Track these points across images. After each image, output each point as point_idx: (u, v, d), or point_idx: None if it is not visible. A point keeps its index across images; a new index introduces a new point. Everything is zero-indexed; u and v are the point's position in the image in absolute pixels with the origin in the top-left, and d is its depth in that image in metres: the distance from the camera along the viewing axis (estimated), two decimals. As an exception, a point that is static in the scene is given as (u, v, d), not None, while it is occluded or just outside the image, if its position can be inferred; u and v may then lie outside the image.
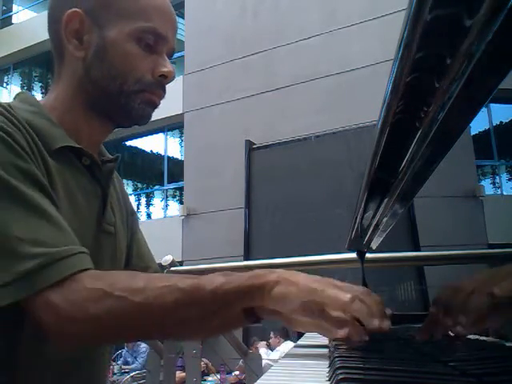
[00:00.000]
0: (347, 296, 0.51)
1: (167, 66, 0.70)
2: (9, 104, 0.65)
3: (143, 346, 5.39)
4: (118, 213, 0.80)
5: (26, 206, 0.55)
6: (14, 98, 0.71)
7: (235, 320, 0.57)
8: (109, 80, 0.68)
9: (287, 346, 4.48)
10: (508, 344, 0.66)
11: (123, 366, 5.90)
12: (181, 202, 9.08)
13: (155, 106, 0.72)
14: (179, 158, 9.77)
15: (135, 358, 5.68)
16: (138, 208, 10.12)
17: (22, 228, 0.54)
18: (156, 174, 10.25)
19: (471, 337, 0.73)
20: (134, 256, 0.84)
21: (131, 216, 0.87)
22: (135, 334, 0.60)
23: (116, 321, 0.55)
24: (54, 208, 0.59)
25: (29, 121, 0.64)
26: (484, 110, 7.22)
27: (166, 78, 0.71)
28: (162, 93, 0.72)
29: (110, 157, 0.78)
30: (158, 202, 10.15)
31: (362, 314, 0.51)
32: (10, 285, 0.52)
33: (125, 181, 10.50)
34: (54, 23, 0.71)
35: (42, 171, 0.61)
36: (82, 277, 0.55)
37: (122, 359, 6.19)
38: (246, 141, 7.12)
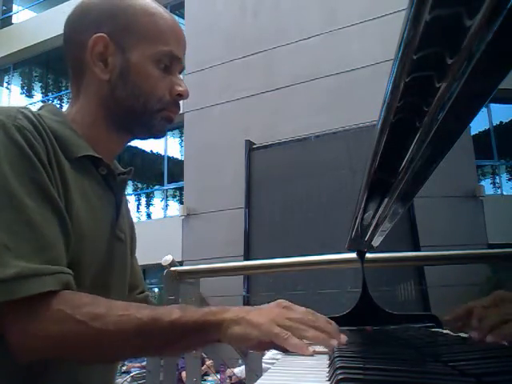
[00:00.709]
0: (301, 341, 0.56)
1: (183, 86, 0.77)
2: (38, 113, 0.69)
3: None
4: (127, 225, 0.84)
5: (22, 219, 0.58)
6: (40, 109, 0.76)
7: (196, 345, 0.64)
8: (133, 99, 0.74)
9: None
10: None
11: (129, 365, 5.87)
12: (181, 202, 9.08)
13: (172, 121, 0.79)
14: (179, 158, 9.77)
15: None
16: (138, 208, 10.12)
17: (12, 238, 0.57)
18: (156, 174, 10.25)
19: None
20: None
21: (131, 233, 0.90)
22: (94, 357, 0.62)
23: (74, 343, 0.58)
24: (57, 224, 0.61)
25: (54, 130, 0.68)
26: (484, 110, 7.22)
27: (182, 97, 0.78)
28: (177, 110, 0.78)
29: (123, 170, 0.82)
30: (158, 202, 10.15)
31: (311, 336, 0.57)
32: None
33: (125, 181, 10.48)
34: (75, 46, 0.75)
35: (56, 182, 0.64)
36: (51, 297, 0.57)
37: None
38: (246, 141, 7.11)
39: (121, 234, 0.78)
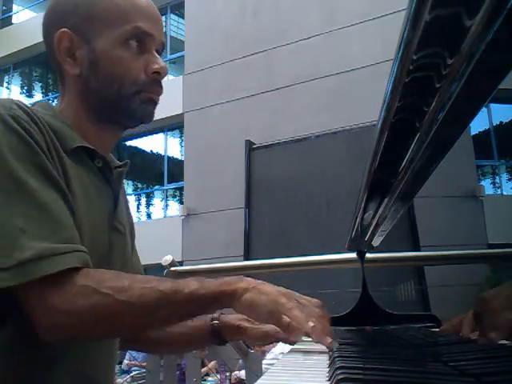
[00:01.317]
0: (303, 314, 0.59)
1: (158, 63, 0.72)
2: (30, 107, 0.69)
3: None
4: (125, 217, 0.84)
5: (34, 202, 0.59)
6: (33, 105, 0.74)
7: (211, 312, 0.69)
8: (106, 88, 0.71)
9: (280, 348, 4.42)
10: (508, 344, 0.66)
11: (129, 363, 5.85)
12: (181, 202, 9.08)
13: (155, 103, 0.74)
14: (179, 158, 9.76)
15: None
16: (138, 208, 10.12)
17: (27, 221, 0.58)
18: (156, 174, 10.24)
19: (471, 337, 0.73)
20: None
21: (130, 228, 0.89)
22: (119, 329, 0.64)
23: (101, 315, 0.59)
24: (63, 204, 0.62)
25: (48, 122, 0.67)
26: (484, 109, 7.22)
27: (160, 75, 0.73)
28: (158, 89, 0.74)
29: (119, 163, 0.81)
30: (158, 201, 10.15)
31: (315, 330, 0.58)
32: (9, 269, 0.56)
33: (125, 181, 10.46)
34: (48, 46, 0.75)
35: (57, 169, 0.64)
36: (74, 273, 0.59)
37: (127, 355, 6.13)
38: (246, 141, 7.11)
39: (119, 226, 0.77)
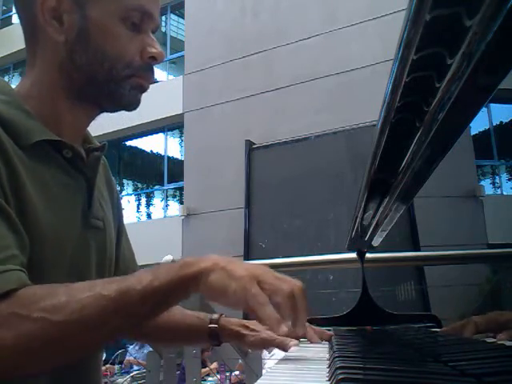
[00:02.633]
0: (284, 287, 0.51)
1: (156, 47, 0.65)
2: None
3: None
4: (107, 205, 0.76)
5: None
6: None
7: (179, 300, 0.55)
8: (95, 66, 0.63)
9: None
10: (508, 344, 0.66)
11: (131, 359, 5.83)
12: (181, 202, 9.08)
13: (144, 90, 0.67)
14: (179, 157, 9.76)
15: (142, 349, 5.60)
16: (138, 208, 10.12)
17: None
18: (156, 173, 10.24)
19: (471, 337, 0.73)
20: (120, 255, 0.80)
21: (117, 210, 0.82)
22: (67, 353, 0.52)
23: (38, 345, 0.49)
24: (1, 220, 0.53)
25: (1, 114, 0.58)
26: (484, 109, 7.22)
27: (156, 60, 0.66)
28: (150, 75, 0.67)
29: (98, 144, 0.72)
30: (158, 202, 10.15)
31: (283, 311, 0.50)
32: None
33: (125, 181, 10.51)
34: (25, 2, 0.64)
35: (0, 175, 0.55)
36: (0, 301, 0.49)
37: (127, 355, 6.10)
38: (246, 141, 7.11)
39: (97, 222, 0.69)
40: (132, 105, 0.67)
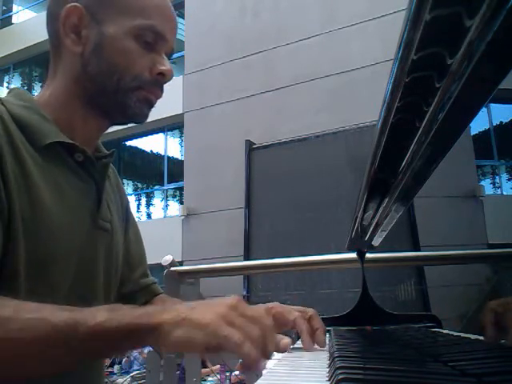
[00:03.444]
0: (251, 329, 0.47)
1: (166, 65, 0.69)
2: (2, 99, 0.65)
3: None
4: (115, 210, 0.79)
5: None
6: (8, 93, 0.70)
7: (128, 350, 0.50)
8: (106, 76, 0.67)
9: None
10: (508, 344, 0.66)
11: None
12: (181, 202, 9.08)
13: (151, 105, 0.71)
14: (179, 157, 9.76)
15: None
16: (138, 208, 10.12)
17: None
18: (156, 173, 10.25)
19: (471, 337, 0.73)
20: (125, 257, 0.82)
21: (126, 214, 0.85)
22: (2, 372, 0.49)
23: None
24: None
25: (18, 115, 0.63)
26: (484, 109, 7.22)
27: (164, 77, 0.70)
28: (159, 92, 0.71)
29: (106, 152, 0.76)
30: (158, 202, 10.15)
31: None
32: None
33: (125, 181, 10.50)
34: (52, 19, 0.70)
35: (5, 178, 0.58)
36: None
37: (134, 366, 6.04)
38: (246, 141, 7.11)
39: (105, 224, 0.72)
40: (138, 117, 0.71)
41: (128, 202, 0.88)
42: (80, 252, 0.66)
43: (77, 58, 0.68)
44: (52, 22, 0.70)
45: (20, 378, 0.54)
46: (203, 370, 3.51)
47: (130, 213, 0.88)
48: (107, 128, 0.75)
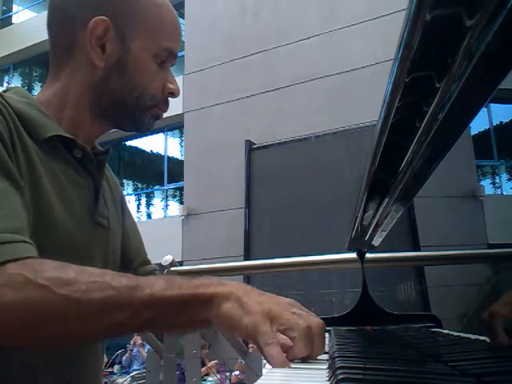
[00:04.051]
0: (300, 323, 0.47)
1: (175, 85, 0.74)
2: (2, 94, 0.65)
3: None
4: (112, 206, 0.80)
5: None
6: (6, 91, 0.70)
7: (185, 325, 0.53)
8: (127, 92, 0.70)
9: None
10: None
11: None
12: (181, 202, 9.08)
13: (159, 118, 0.76)
14: (179, 157, 9.76)
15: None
16: (138, 208, 10.12)
17: None
18: (156, 173, 10.25)
19: (471, 337, 0.73)
20: (124, 247, 0.83)
21: (122, 205, 0.86)
22: (59, 332, 0.51)
23: (34, 312, 0.48)
24: (18, 196, 0.56)
25: (18, 109, 0.63)
26: (484, 109, 7.22)
27: (173, 95, 0.75)
28: (166, 108, 0.76)
29: (101, 149, 0.78)
30: (158, 202, 10.15)
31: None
32: None
33: (125, 181, 10.50)
34: (68, 19, 0.70)
35: (19, 163, 0.59)
36: (8, 264, 0.50)
37: (134, 366, 6.02)
38: (246, 141, 7.12)
39: (102, 221, 0.73)
40: (147, 130, 0.76)
41: (122, 193, 0.89)
42: (77, 248, 0.66)
43: (98, 70, 0.69)
44: (72, 25, 0.69)
45: (81, 340, 0.57)
46: (201, 369, 3.51)
47: (125, 204, 0.89)
48: (108, 131, 0.77)
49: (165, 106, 0.75)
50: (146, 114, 0.73)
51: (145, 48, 0.70)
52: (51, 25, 0.72)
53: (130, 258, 0.85)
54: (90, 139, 0.75)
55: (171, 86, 0.74)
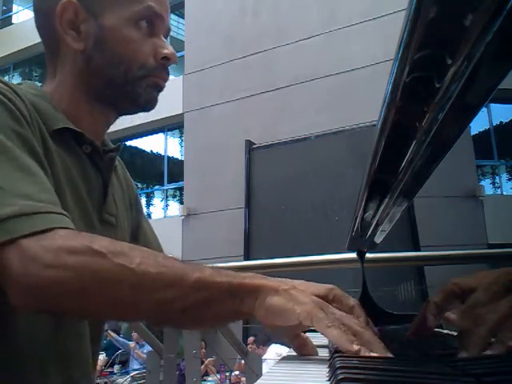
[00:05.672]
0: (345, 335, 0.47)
1: (168, 48, 0.70)
2: (15, 84, 0.65)
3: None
4: (122, 204, 0.79)
5: (17, 165, 0.53)
6: (20, 85, 0.70)
7: (227, 316, 0.53)
8: (112, 69, 0.67)
9: (274, 350, 4.29)
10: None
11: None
12: (181, 202, 9.08)
13: (161, 89, 0.71)
14: (179, 157, 9.76)
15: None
16: (138, 208, 10.12)
17: (11, 182, 0.52)
18: (156, 173, 10.25)
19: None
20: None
21: (136, 205, 0.85)
22: (113, 300, 0.51)
23: (92, 276, 0.49)
24: (44, 173, 0.57)
25: (33, 101, 0.63)
26: (484, 109, 7.22)
27: (169, 60, 0.70)
28: (165, 75, 0.71)
29: (113, 146, 0.77)
30: (158, 202, 10.15)
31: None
32: None
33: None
34: (44, 16, 0.69)
35: (39, 143, 0.60)
36: (62, 231, 0.51)
37: (130, 364, 5.99)
38: (246, 141, 7.12)
39: (110, 218, 0.72)
40: (149, 103, 0.71)
41: (137, 195, 0.87)
42: None
43: (78, 55, 0.68)
44: (45, 19, 0.69)
45: (131, 316, 0.58)
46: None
47: (140, 204, 0.88)
48: (114, 120, 0.75)
49: (162, 73, 0.70)
50: (140, 84, 0.68)
51: (119, 18, 0.66)
52: (38, 28, 0.72)
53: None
54: (97, 132, 0.73)
55: (164, 51, 0.69)
